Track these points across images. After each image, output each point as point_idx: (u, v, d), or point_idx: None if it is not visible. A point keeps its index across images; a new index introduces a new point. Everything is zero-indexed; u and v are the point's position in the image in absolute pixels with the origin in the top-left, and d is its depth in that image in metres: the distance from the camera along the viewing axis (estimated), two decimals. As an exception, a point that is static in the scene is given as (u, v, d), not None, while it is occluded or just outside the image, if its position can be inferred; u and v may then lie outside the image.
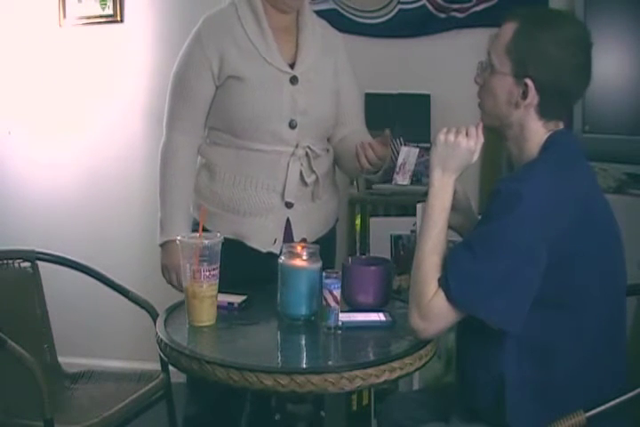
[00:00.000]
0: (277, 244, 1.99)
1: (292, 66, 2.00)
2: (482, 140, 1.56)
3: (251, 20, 1.99)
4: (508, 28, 1.52)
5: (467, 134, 1.55)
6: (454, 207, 1.61)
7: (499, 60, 1.52)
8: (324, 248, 2.09)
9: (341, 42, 2.17)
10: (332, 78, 2.07)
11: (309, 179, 2.01)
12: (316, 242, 2.00)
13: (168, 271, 2.04)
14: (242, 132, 1.97)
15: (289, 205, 2.01)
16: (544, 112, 1.53)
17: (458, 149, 1.55)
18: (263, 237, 2.01)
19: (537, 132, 1.54)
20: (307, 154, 2.00)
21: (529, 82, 1.50)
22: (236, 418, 2.15)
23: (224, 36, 1.98)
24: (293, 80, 1.98)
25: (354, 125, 2.13)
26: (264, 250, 2.00)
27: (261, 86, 1.95)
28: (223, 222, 1.99)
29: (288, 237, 2.02)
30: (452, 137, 1.55)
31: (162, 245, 2.03)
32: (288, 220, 2.02)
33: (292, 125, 1.97)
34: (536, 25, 1.51)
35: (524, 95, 1.51)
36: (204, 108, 2.01)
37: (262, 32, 1.98)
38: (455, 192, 1.59)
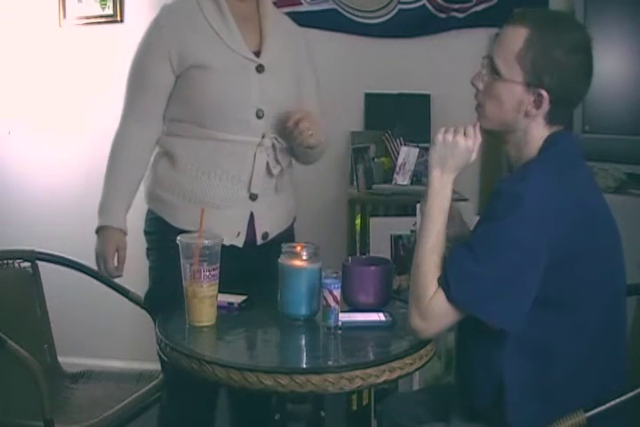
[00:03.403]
0: (241, 237, 1.96)
1: (256, 54, 1.96)
2: (480, 139, 1.56)
3: (211, 7, 1.95)
4: (518, 35, 1.49)
5: (465, 134, 1.55)
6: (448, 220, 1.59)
7: (507, 67, 1.50)
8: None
9: (302, 34, 2.14)
10: (294, 68, 2.04)
11: (275, 170, 1.97)
12: (277, 239, 1.99)
13: (102, 257, 1.99)
14: (209, 121, 1.92)
15: (253, 198, 1.97)
16: (552, 119, 1.53)
17: (456, 149, 1.54)
18: (226, 230, 1.91)
19: (539, 136, 1.54)
20: (273, 145, 1.96)
21: (544, 93, 1.49)
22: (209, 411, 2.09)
23: (184, 23, 1.94)
24: (260, 68, 1.94)
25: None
26: (227, 243, 1.91)
27: (227, 74, 1.91)
28: (185, 214, 1.94)
29: (250, 230, 1.98)
30: (450, 137, 1.55)
31: (97, 231, 2.00)
32: (252, 213, 1.98)
33: (259, 115, 1.93)
34: (548, 32, 1.48)
35: (537, 104, 1.50)
36: (161, 98, 1.97)
37: (224, 18, 1.94)
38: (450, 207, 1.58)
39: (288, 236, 2.09)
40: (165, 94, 1.96)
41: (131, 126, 1.98)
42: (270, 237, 2.01)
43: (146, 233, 2.06)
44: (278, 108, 1.96)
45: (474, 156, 1.56)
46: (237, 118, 1.92)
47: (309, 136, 1.92)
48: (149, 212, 2.04)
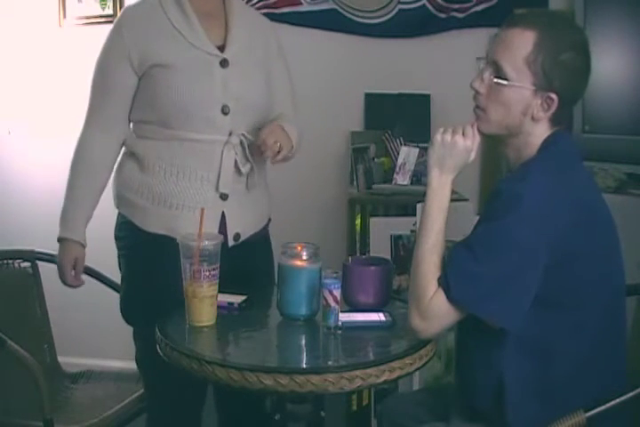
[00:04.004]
0: None
1: (221, 49, 1.91)
2: (478, 139, 1.56)
3: (173, 6, 1.90)
4: (525, 38, 1.48)
5: (463, 134, 1.55)
6: None
7: (516, 71, 1.49)
8: (262, 248, 2.04)
9: (271, 28, 2.08)
10: (263, 64, 1.98)
11: (244, 168, 1.91)
12: (250, 241, 1.97)
13: (61, 269, 1.98)
14: (173, 121, 1.87)
15: (224, 197, 1.91)
16: (556, 120, 1.53)
17: (455, 149, 1.54)
18: (197, 231, 1.82)
19: (541, 137, 1.54)
20: (241, 142, 1.90)
21: (554, 96, 1.49)
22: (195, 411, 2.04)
23: (145, 24, 1.90)
24: (224, 63, 1.89)
25: (281, 110, 2.04)
26: None
27: (189, 71, 1.86)
28: (154, 217, 1.90)
29: (222, 231, 1.90)
30: (448, 137, 1.55)
31: (59, 241, 1.99)
32: (223, 213, 1.91)
33: (225, 112, 1.87)
34: (556, 35, 1.49)
35: (544, 107, 1.50)
36: (124, 101, 1.92)
37: (186, 17, 1.89)
38: None
39: (262, 237, 2.05)
40: (128, 97, 1.92)
41: (93, 133, 1.94)
42: (242, 238, 1.95)
43: (116, 238, 2.00)
44: (245, 104, 1.91)
45: (473, 155, 1.56)
46: (202, 116, 1.86)
47: (277, 153, 1.86)
48: (120, 216, 1.98)
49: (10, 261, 2.28)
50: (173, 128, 1.88)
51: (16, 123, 3.27)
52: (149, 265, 1.89)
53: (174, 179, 1.89)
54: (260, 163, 1.98)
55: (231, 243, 1.93)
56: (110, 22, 3.10)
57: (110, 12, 3.12)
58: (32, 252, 2.32)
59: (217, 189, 1.90)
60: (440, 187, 1.55)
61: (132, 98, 1.92)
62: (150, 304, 1.81)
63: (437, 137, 1.56)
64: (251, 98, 1.93)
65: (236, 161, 1.90)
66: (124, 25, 1.91)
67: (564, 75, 1.48)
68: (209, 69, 1.88)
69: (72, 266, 1.98)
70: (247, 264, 1.94)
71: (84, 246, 1.98)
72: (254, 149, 1.92)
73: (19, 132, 3.28)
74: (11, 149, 3.28)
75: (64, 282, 2.01)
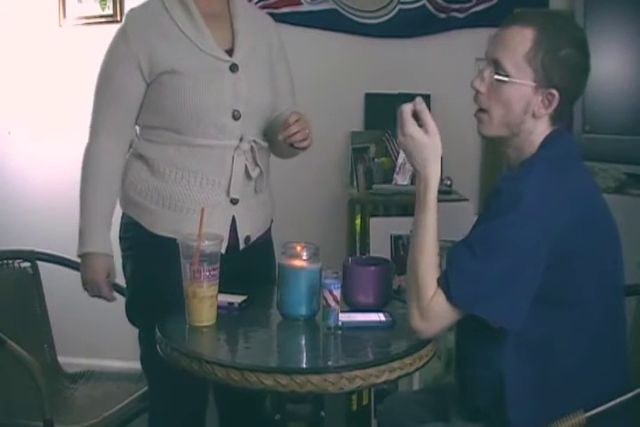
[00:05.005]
0: (223, 242, 1.80)
1: (229, 53, 1.90)
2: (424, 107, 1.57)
3: (178, 8, 1.87)
4: (524, 36, 1.49)
5: (403, 122, 1.57)
6: None
7: (517, 69, 1.50)
8: (265, 251, 2.04)
9: (274, 27, 2.07)
10: (267, 63, 1.99)
11: (254, 172, 1.92)
12: (256, 242, 1.97)
13: (95, 285, 1.92)
14: (183, 127, 1.85)
15: (234, 202, 1.91)
16: (557, 117, 1.54)
17: (412, 142, 1.54)
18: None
19: (542, 135, 1.54)
20: (251, 148, 1.90)
21: (555, 92, 1.49)
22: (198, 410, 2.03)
23: (151, 29, 1.86)
24: (233, 68, 1.88)
25: (284, 107, 2.04)
26: None
27: (200, 78, 1.84)
28: (162, 219, 1.89)
29: (233, 234, 1.91)
30: (401, 138, 1.56)
31: (82, 257, 1.92)
32: (233, 217, 1.92)
33: (236, 117, 1.87)
34: (554, 32, 1.49)
35: (545, 104, 1.50)
36: (132, 107, 1.90)
37: (192, 19, 1.87)
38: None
39: (266, 239, 2.05)
40: (137, 104, 1.90)
41: (101, 141, 1.91)
42: (252, 240, 1.96)
43: (121, 239, 1.97)
44: (255, 108, 1.91)
45: (432, 129, 1.55)
46: (213, 122, 1.86)
47: (305, 140, 1.86)
48: (125, 217, 1.96)
49: (10, 261, 2.28)
50: (183, 134, 1.87)
51: (16, 123, 3.27)
52: (156, 266, 1.88)
53: (185, 183, 1.88)
54: (266, 166, 1.99)
55: (242, 246, 1.94)
56: (110, 22, 3.13)
57: (110, 12, 3.12)
58: (32, 252, 2.31)
59: (228, 193, 1.90)
60: (428, 185, 1.53)
61: (140, 104, 1.91)
62: (156, 306, 1.80)
63: (399, 146, 1.56)
64: (259, 100, 1.93)
65: (246, 166, 1.91)
66: (130, 32, 1.88)
67: (564, 71, 1.49)
68: (219, 75, 1.87)
69: (107, 281, 1.93)
70: (253, 266, 1.95)
71: (112, 257, 1.93)
72: (263, 153, 1.95)
73: (19, 133, 3.28)
74: (11, 149, 3.28)
75: (101, 297, 1.96)
